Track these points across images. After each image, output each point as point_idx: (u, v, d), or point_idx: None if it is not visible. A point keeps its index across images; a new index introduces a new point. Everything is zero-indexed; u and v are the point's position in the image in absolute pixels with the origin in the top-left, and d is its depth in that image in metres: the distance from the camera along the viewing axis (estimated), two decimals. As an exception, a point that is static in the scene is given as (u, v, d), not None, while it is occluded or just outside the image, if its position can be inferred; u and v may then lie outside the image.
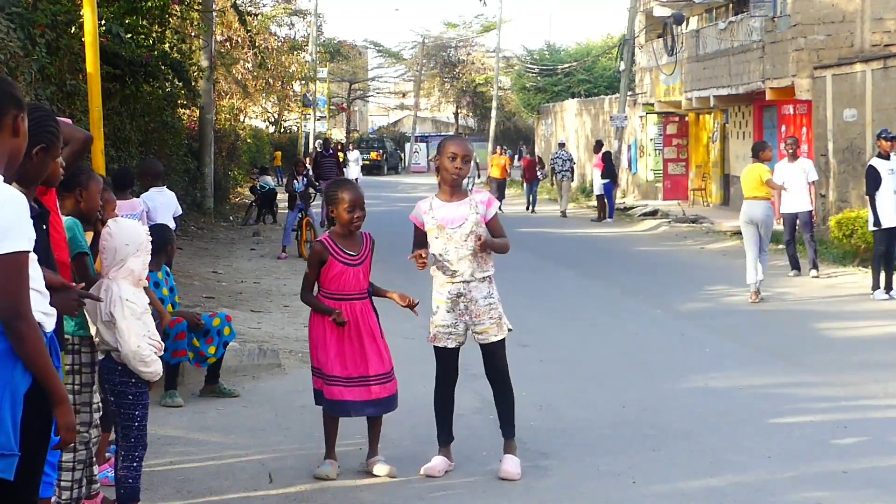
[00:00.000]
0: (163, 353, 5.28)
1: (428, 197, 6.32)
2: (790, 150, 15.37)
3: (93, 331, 5.18)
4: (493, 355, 6.25)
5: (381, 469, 6.13)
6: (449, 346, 6.20)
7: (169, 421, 7.32)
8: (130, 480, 5.12)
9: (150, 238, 5.24)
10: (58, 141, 4.07)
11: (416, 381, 7.44)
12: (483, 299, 6.16)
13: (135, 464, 5.14)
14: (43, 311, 3.64)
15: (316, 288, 6.23)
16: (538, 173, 31.58)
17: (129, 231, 5.09)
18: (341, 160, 27.15)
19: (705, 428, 7.21)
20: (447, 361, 6.26)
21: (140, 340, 5.01)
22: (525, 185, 31.85)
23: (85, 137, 5.14)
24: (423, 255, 6.10)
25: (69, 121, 5.38)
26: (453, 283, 6.14)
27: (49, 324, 3.72)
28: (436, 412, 6.34)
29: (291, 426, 7.18)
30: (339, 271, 6.08)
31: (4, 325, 3.46)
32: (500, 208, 27.82)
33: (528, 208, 30.62)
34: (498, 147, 34.53)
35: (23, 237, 3.45)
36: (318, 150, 26.85)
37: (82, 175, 5.46)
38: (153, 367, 5.08)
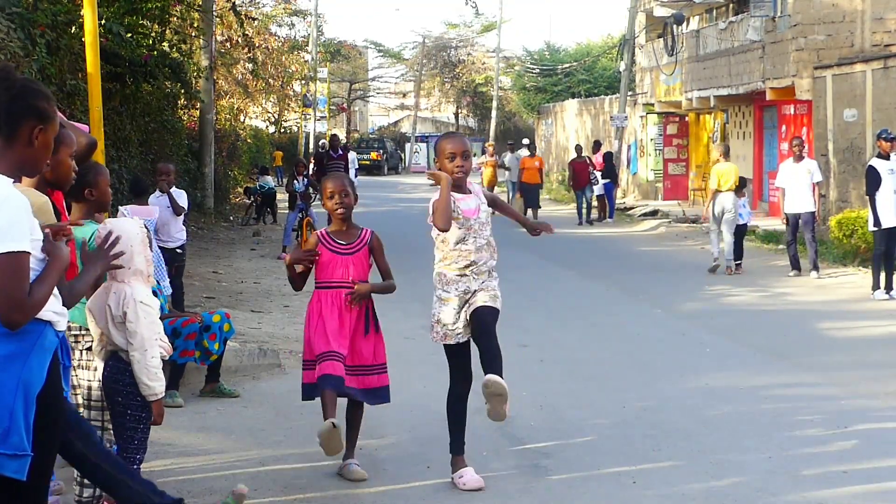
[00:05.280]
0: (170, 355, 5.21)
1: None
2: (797, 151, 15.39)
3: (91, 329, 5.11)
4: (483, 317, 5.93)
5: (351, 473, 6.08)
6: (461, 341, 6.03)
7: (169, 421, 7.28)
8: (131, 483, 5.09)
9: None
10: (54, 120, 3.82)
11: (415, 381, 7.44)
12: (491, 285, 6.07)
13: (135, 465, 5.10)
14: (54, 310, 3.63)
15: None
16: (591, 178, 26.55)
17: (118, 230, 4.93)
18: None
19: (705, 428, 7.21)
20: (463, 356, 6.07)
21: (154, 349, 4.90)
22: (575, 192, 27.12)
23: (89, 142, 5.09)
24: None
25: (86, 127, 5.34)
26: (464, 276, 5.99)
27: (62, 324, 3.71)
28: (450, 416, 6.11)
29: (291, 426, 7.18)
30: (327, 259, 6.14)
31: (4, 322, 3.44)
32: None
33: (580, 222, 26.03)
34: (529, 147, 29.09)
35: (22, 238, 3.43)
36: (321, 150, 25.66)
37: (88, 174, 5.42)
38: (155, 384, 4.91)
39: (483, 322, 5.95)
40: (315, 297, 6.19)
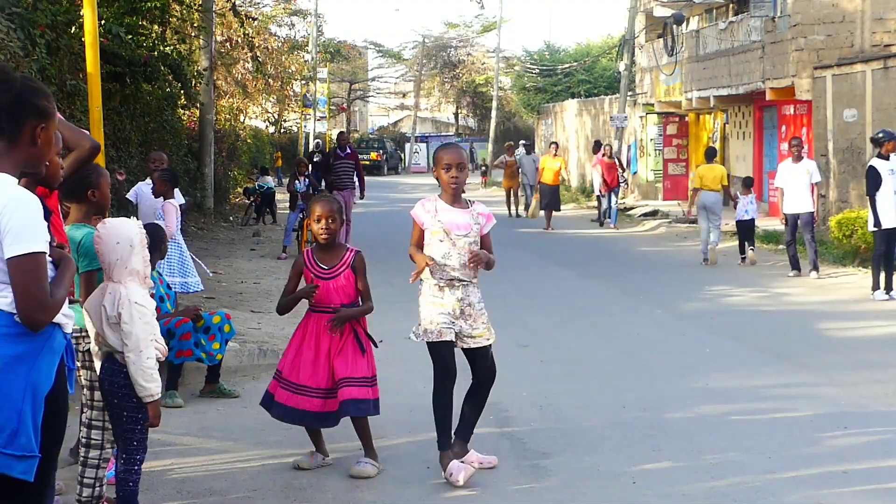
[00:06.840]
0: (165, 356, 5.20)
1: (430, 197, 6.27)
2: (795, 152, 15.43)
3: (90, 330, 5.09)
4: (485, 359, 6.25)
5: (355, 470, 6.14)
6: (446, 339, 6.08)
7: (169, 422, 7.30)
8: (131, 483, 5.07)
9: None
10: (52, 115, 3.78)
11: (416, 381, 7.44)
12: (478, 303, 6.19)
13: (136, 466, 5.08)
14: (63, 312, 3.63)
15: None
16: (620, 180, 25.40)
17: (117, 230, 4.92)
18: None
19: (705, 428, 7.21)
20: (448, 355, 6.12)
21: (149, 350, 4.88)
22: (605, 194, 25.32)
23: (92, 146, 5.07)
24: (430, 263, 6.05)
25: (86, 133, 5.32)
26: (457, 287, 6.09)
27: (70, 326, 3.72)
28: (437, 414, 6.16)
29: (291, 426, 7.17)
30: (309, 282, 6.22)
31: (27, 321, 3.44)
32: (549, 227, 24.45)
33: (601, 220, 25.41)
34: (552, 146, 26.99)
35: (37, 238, 3.45)
36: (317, 150, 25.27)
37: (91, 175, 5.39)
38: (150, 385, 4.88)
39: (486, 370, 6.26)
40: (305, 317, 6.32)
